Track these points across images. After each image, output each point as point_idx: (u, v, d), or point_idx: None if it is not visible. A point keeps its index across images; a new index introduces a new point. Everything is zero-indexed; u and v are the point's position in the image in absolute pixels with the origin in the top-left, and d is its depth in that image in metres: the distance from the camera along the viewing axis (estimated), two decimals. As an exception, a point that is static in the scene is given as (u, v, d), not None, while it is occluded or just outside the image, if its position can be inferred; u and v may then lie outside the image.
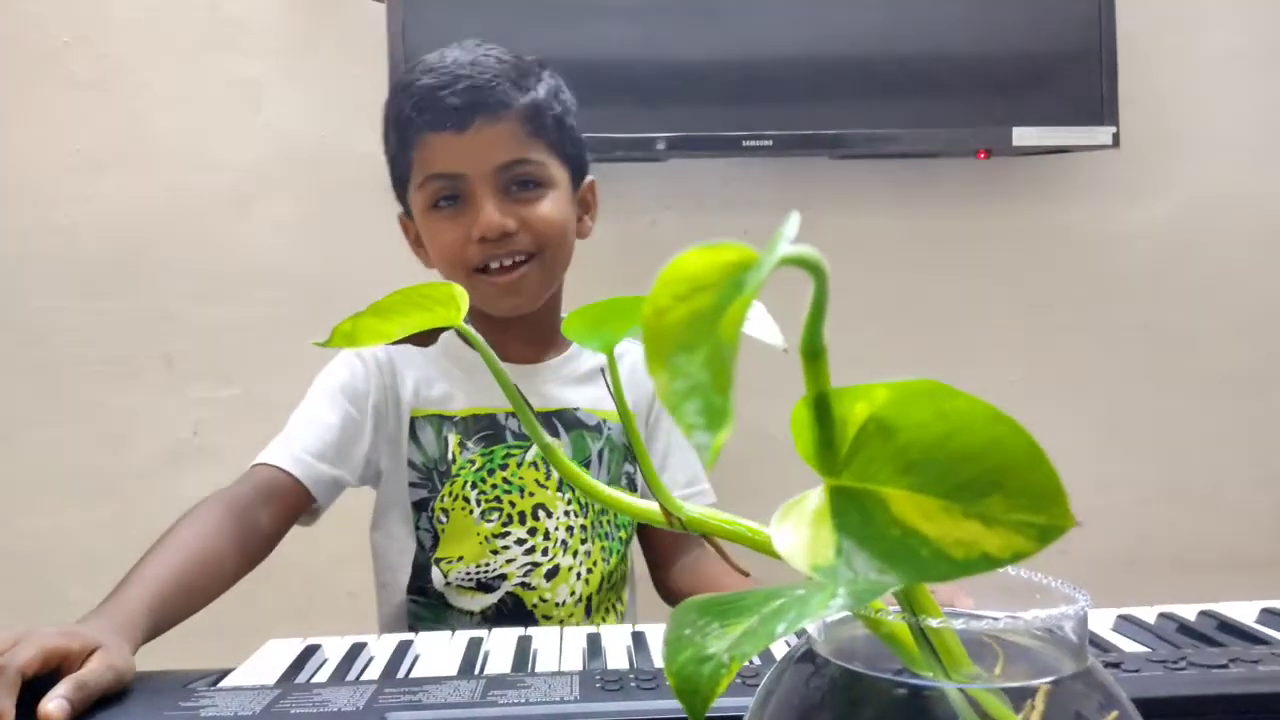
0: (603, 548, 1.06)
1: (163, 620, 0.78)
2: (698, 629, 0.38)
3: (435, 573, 1.03)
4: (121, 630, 0.71)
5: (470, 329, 0.46)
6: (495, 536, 1.02)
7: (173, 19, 1.54)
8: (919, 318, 1.61)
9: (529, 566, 1.02)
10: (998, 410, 0.28)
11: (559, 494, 1.03)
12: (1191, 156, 1.63)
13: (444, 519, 1.03)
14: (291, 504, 0.97)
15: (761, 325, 0.42)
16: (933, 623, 0.35)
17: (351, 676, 0.71)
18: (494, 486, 1.02)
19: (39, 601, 1.31)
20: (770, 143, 1.43)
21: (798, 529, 0.32)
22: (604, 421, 1.07)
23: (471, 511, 1.02)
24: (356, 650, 0.77)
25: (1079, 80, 1.49)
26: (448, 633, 0.82)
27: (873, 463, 0.31)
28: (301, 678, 0.71)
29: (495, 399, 1.04)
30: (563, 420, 1.06)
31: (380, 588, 1.10)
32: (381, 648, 0.78)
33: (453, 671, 0.71)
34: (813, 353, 0.31)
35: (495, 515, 1.02)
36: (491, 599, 1.02)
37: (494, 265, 0.98)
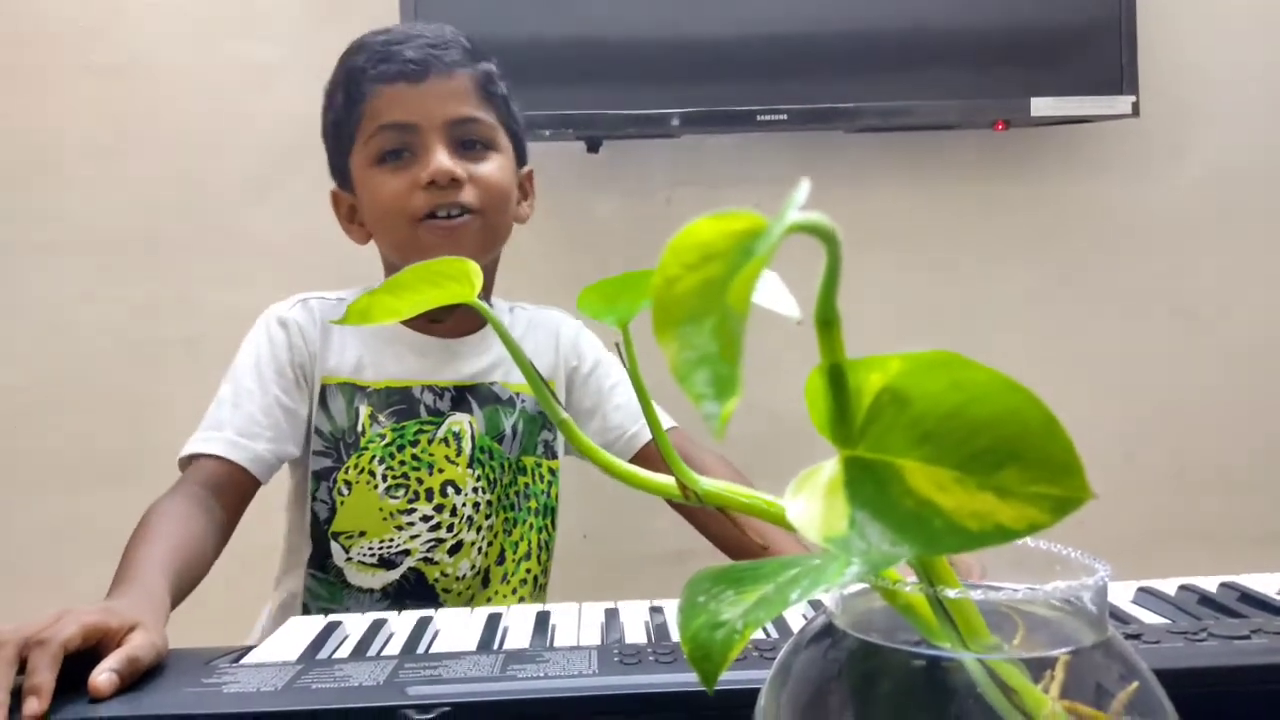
0: (505, 519, 1.06)
1: (175, 600, 0.79)
2: (711, 596, 0.38)
3: (335, 548, 1.02)
4: (153, 608, 0.72)
5: (482, 303, 0.46)
6: (400, 513, 1.01)
7: (187, 5, 1.54)
8: (936, 292, 1.60)
9: (433, 543, 1.02)
10: (1013, 380, 0.28)
11: (469, 470, 1.02)
12: (1212, 125, 1.61)
13: (345, 491, 1.01)
14: (239, 490, 0.96)
15: (776, 296, 0.42)
16: (950, 593, 0.35)
17: (372, 652, 0.71)
18: (402, 463, 1.01)
19: (66, 583, 1.33)
20: (784, 117, 1.42)
21: (811, 500, 0.31)
22: (517, 395, 1.06)
23: (376, 486, 1.00)
24: (377, 627, 0.77)
25: (1098, 49, 1.47)
26: (466, 610, 0.82)
27: (887, 433, 0.31)
28: (323, 654, 0.71)
29: (409, 371, 1.03)
30: (476, 395, 1.05)
31: (285, 567, 1.08)
32: (401, 624, 0.78)
33: (472, 646, 0.71)
34: (826, 322, 0.31)
35: (401, 492, 1.01)
36: (393, 575, 1.02)
37: (440, 214, 0.98)
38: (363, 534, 1.01)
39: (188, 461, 0.97)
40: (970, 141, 1.57)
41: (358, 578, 1.02)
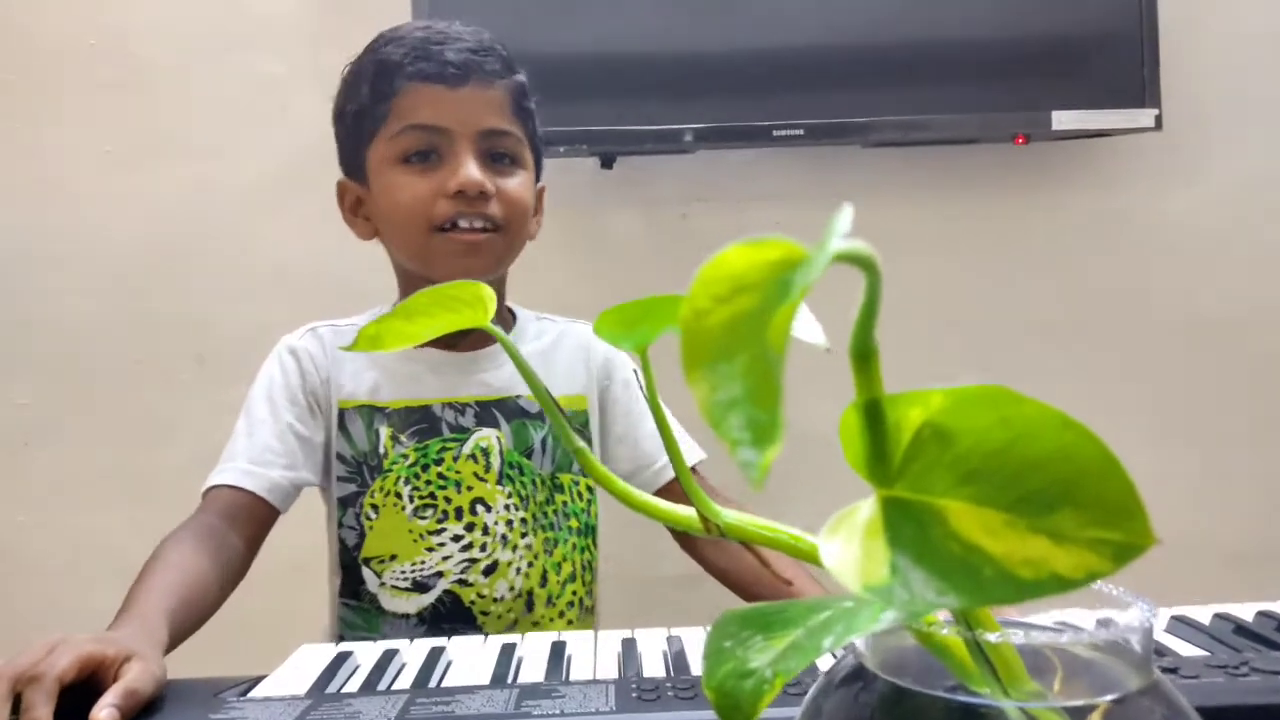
0: (545, 539, 1.02)
1: (175, 635, 0.78)
2: (739, 641, 0.36)
3: (367, 574, 0.99)
4: (151, 638, 0.70)
5: (497, 329, 0.45)
6: (430, 534, 0.98)
7: (197, 19, 1.54)
8: (957, 309, 1.58)
9: (466, 563, 0.99)
10: (1066, 416, 0.26)
11: (499, 487, 1.00)
12: (1236, 137, 1.58)
13: (373, 515, 0.99)
14: (257, 520, 0.94)
15: (802, 323, 0.40)
16: (990, 637, 0.33)
17: (383, 685, 0.69)
18: (428, 483, 0.99)
19: (76, 601, 1.31)
20: (801, 132, 1.41)
21: (848, 543, 0.29)
22: None
23: (404, 508, 0.98)
24: (389, 657, 0.75)
25: (1119, 61, 1.44)
26: (479, 638, 0.80)
27: (929, 472, 0.29)
28: (332, 686, 0.70)
29: (426, 390, 1.01)
30: (503, 410, 1.02)
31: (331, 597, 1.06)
32: (413, 654, 0.77)
33: (485, 679, 0.70)
34: (863, 355, 0.29)
35: (429, 512, 0.98)
36: (428, 599, 0.99)
37: (463, 224, 0.95)
38: (394, 557, 0.98)
39: (211, 490, 0.95)
40: (990, 156, 1.55)
41: (392, 603, 0.99)
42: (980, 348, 1.58)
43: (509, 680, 0.69)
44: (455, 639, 0.81)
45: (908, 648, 0.36)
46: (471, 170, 0.94)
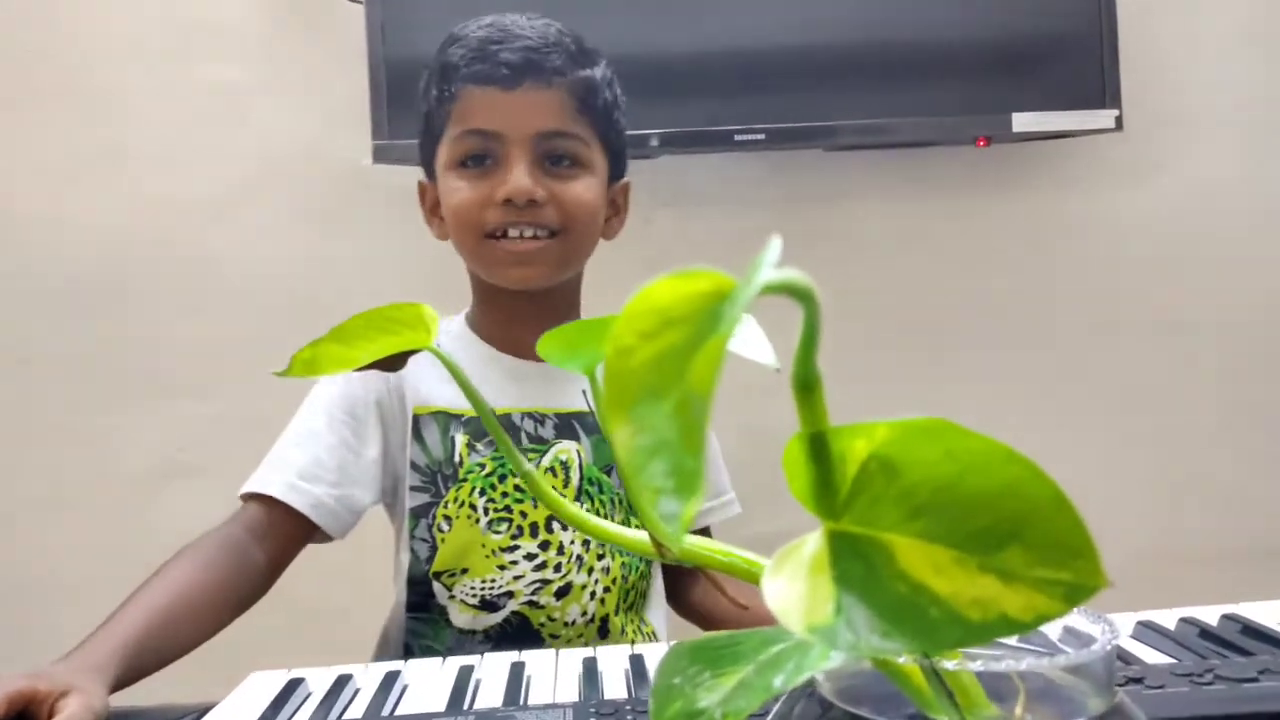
0: (623, 564, 0.98)
1: (138, 665, 0.75)
2: (688, 678, 0.35)
3: (437, 588, 0.96)
4: (95, 671, 0.68)
5: (448, 346, 0.43)
6: (503, 550, 0.94)
7: (148, 25, 1.50)
8: (920, 311, 1.58)
9: (538, 584, 0.95)
10: (1012, 450, 0.25)
11: (576, 503, 0.96)
12: (1196, 138, 1.59)
13: (445, 527, 0.95)
14: (289, 535, 0.91)
15: (751, 342, 0.39)
16: (948, 664, 0.32)
17: (334, 714, 0.67)
18: (504, 495, 0.95)
19: (31, 625, 1.28)
20: (763, 136, 1.40)
21: (793, 581, 0.28)
22: None
23: (478, 521, 0.94)
24: (342, 683, 0.73)
25: (1080, 62, 1.45)
26: (438, 661, 0.78)
27: (876, 505, 0.28)
28: (281, 716, 0.67)
29: (507, 398, 0.98)
30: (583, 424, 0.99)
31: (394, 608, 1.04)
32: (369, 679, 0.74)
33: (442, 703, 0.68)
34: (806, 386, 0.28)
35: (504, 527, 0.94)
36: (496, 618, 0.95)
37: (513, 233, 0.92)
38: (465, 571, 0.95)
39: (248, 498, 0.92)
40: (952, 158, 1.55)
41: (461, 618, 0.95)
42: (944, 350, 1.57)
43: (465, 706, 0.67)
44: (412, 661, 0.79)
45: (865, 672, 0.35)
46: (520, 179, 0.90)
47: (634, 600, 1.01)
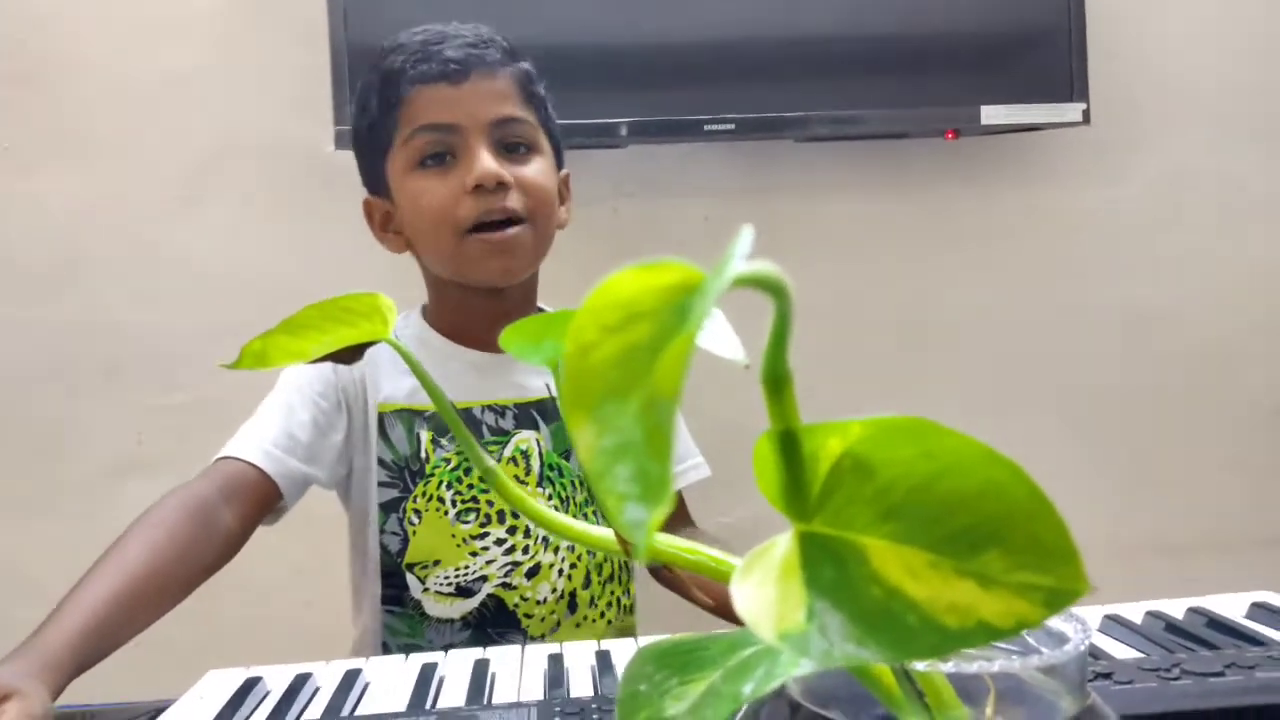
0: None
1: (96, 650, 0.74)
2: (654, 685, 0.34)
3: (410, 580, 0.98)
4: (41, 673, 0.66)
5: (399, 343, 0.42)
6: (473, 538, 0.98)
7: (103, 11, 1.46)
8: (888, 303, 1.58)
9: (509, 566, 0.99)
10: (993, 451, 0.24)
11: (539, 489, 1.00)
12: (1163, 130, 1.60)
13: (415, 520, 0.98)
14: (258, 500, 0.92)
15: (719, 337, 0.38)
16: (919, 665, 0.31)
17: (292, 714, 0.66)
18: (470, 487, 0.98)
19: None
20: (732, 126, 1.39)
21: (762, 585, 0.27)
22: None
23: (446, 513, 0.98)
24: (301, 682, 0.72)
25: (1047, 56, 1.45)
26: (401, 657, 0.77)
27: (849, 506, 0.27)
28: (238, 716, 0.66)
29: (468, 392, 1.00)
30: (542, 411, 1.02)
31: (356, 605, 1.05)
32: (328, 677, 0.73)
33: (404, 703, 0.66)
34: (776, 382, 0.27)
35: (471, 516, 0.98)
36: (472, 603, 0.98)
37: (488, 221, 0.94)
38: (437, 563, 0.98)
39: (219, 461, 0.93)
40: (921, 150, 1.54)
41: (436, 608, 0.98)
42: (912, 342, 1.57)
43: (427, 705, 0.66)
44: (373, 659, 0.77)
45: (835, 673, 0.35)
46: (486, 162, 0.93)
47: (611, 572, 1.04)
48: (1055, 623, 0.36)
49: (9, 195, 1.46)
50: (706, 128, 1.39)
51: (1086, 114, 1.43)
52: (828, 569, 0.27)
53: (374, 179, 1.01)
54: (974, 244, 1.59)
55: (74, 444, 1.47)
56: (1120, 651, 0.71)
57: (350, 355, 0.97)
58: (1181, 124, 1.61)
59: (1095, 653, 0.70)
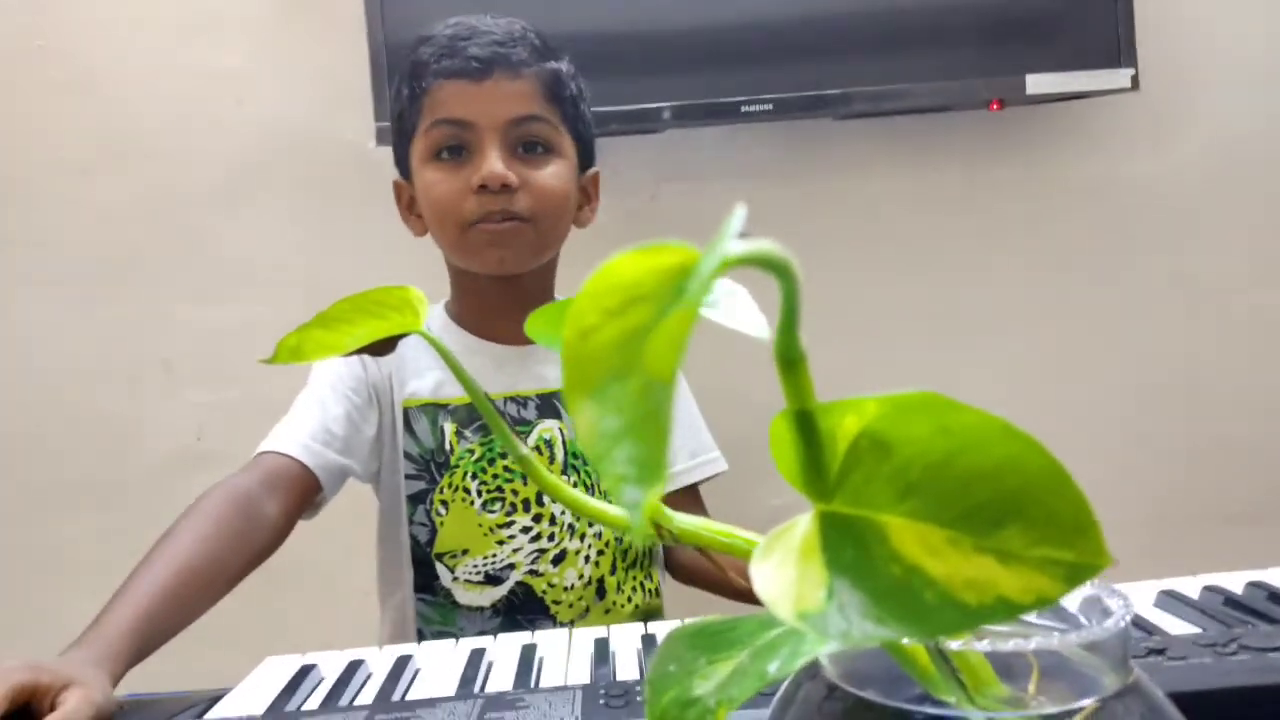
0: None
1: (153, 638, 0.76)
2: (683, 665, 0.34)
3: (440, 569, 1.01)
4: (101, 661, 0.68)
5: (432, 335, 0.42)
6: (500, 527, 1.00)
7: (146, 15, 1.49)
8: (936, 279, 1.55)
9: (535, 554, 1.00)
10: (1010, 425, 0.24)
11: (563, 476, 1.02)
12: (1214, 94, 1.55)
13: (443, 511, 1.01)
14: (300, 492, 0.94)
15: (742, 313, 0.37)
16: (954, 644, 0.31)
17: (345, 700, 0.67)
18: (495, 476, 1.00)
19: (49, 615, 1.29)
20: (770, 107, 1.37)
21: (782, 566, 0.27)
22: None
23: (472, 503, 1.00)
24: (354, 668, 0.73)
25: (1093, 21, 1.41)
26: (451, 642, 0.78)
27: (868, 484, 0.27)
28: (293, 703, 0.67)
29: (489, 384, 1.02)
30: (564, 401, 1.02)
31: (385, 593, 1.07)
32: (380, 663, 0.74)
33: (451, 689, 0.67)
34: (789, 362, 0.27)
35: (497, 505, 1.00)
36: (501, 591, 1.01)
37: (487, 222, 0.96)
38: (465, 552, 1.00)
39: (260, 455, 0.96)
40: (965, 123, 1.51)
41: (466, 596, 1.01)
42: (963, 317, 1.55)
43: (476, 689, 0.67)
44: (425, 644, 0.79)
45: (871, 653, 0.34)
46: (494, 164, 0.94)
47: (635, 558, 1.06)
48: (1102, 598, 0.35)
49: (63, 198, 1.50)
50: (744, 109, 1.37)
51: (1135, 79, 1.39)
52: (847, 548, 0.26)
53: (402, 163, 1.04)
54: (1024, 216, 1.55)
55: (137, 440, 1.52)
56: (1176, 627, 0.69)
57: (383, 347, 0.98)
58: (1233, 85, 1.55)
59: (1149, 628, 0.69)
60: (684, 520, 0.41)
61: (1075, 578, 0.23)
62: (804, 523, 0.28)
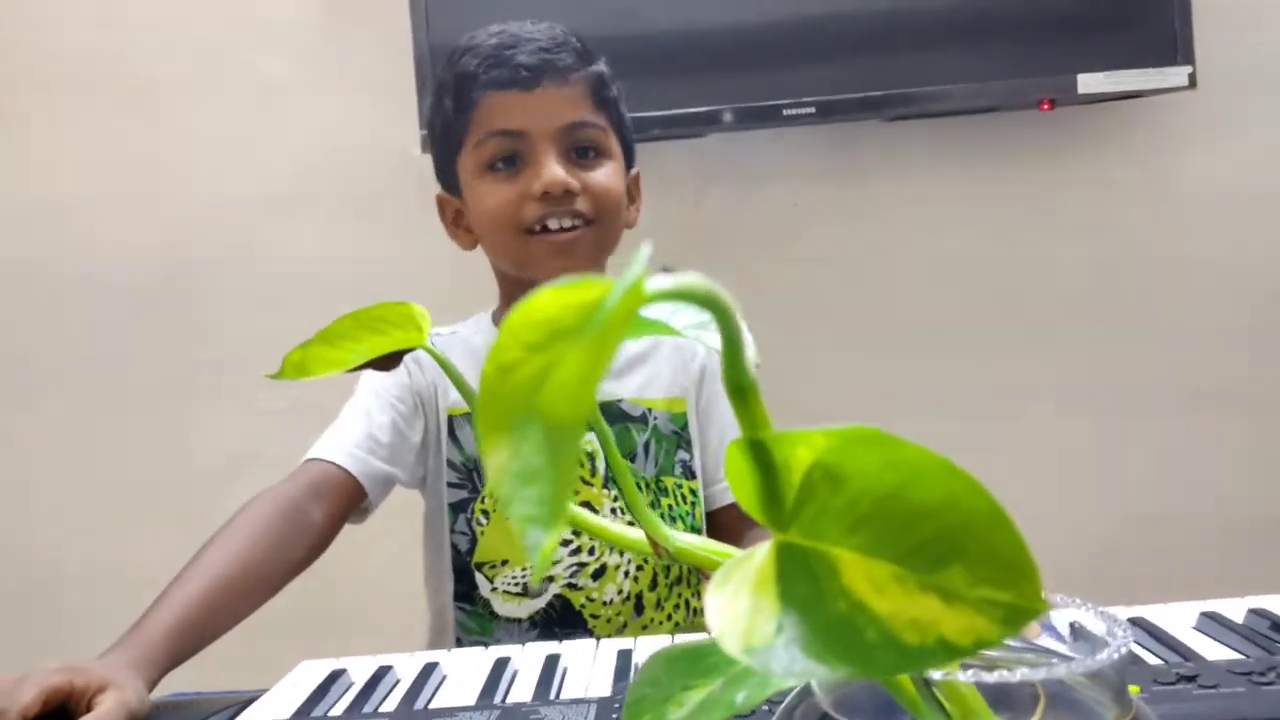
0: None
1: (192, 642, 0.78)
2: (661, 688, 0.34)
3: (480, 579, 1.01)
4: (138, 664, 0.70)
5: (438, 351, 0.43)
6: None
7: (199, 30, 1.53)
8: (985, 283, 1.52)
9: (575, 567, 0.99)
10: (951, 463, 0.23)
11: (605, 490, 1.00)
12: (1276, 94, 1.49)
13: (484, 520, 1.01)
14: (344, 499, 0.95)
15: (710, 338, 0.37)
16: (938, 674, 0.30)
17: (370, 706, 0.68)
18: None
19: (109, 619, 1.33)
20: (813, 110, 1.36)
21: (736, 597, 0.27)
22: (649, 411, 1.04)
23: None
24: (382, 673, 0.74)
25: (1148, 17, 1.36)
26: (479, 649, 0.79)
27: (821, 516, 0.26)
28: (320, 709, 0.69)
29: None
30: (606, 414, 1.02)
31: (430, 597, 1.08)
32: (409, 669, 0.75)
33: (473, 698, 0.68)
34: (739, 391, 0.26)
35: None
36: (539, 603, 1.00)
37: (552, 225, 0.96)
38: (504, 563, 1.00)
39: (307, 463, 0.97)
40: (1014, 124, 1.48)
41: (504, 608, 1.01)
42: (1013, 321, 1.52)
43: (496, 699, 0.68)
44: (454, 652, 0.79)
45: (864, 682, 0.34)
46: (554, 170, 0.94)
47: (680, 574, 1.04)
48: (1099, 626, 0.34)
49: (123, 209, 1.55)
50: (786, 112, 1.36)
51: (1193, 78, 1.35)
52: (801, 581, 0.26)
53: (446, 176, 1.03)
54: (1076, 219, 1.51)
55: (193, 446, 1.56)
56: (1215, 652, 0.67)
57: (387, 363, 0.99)
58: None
59: (1186, 653, 0.66)
60: (682, 539, 0.41)
61: (1013, 620, 0.22)
62: (762, 552, 0.28)
